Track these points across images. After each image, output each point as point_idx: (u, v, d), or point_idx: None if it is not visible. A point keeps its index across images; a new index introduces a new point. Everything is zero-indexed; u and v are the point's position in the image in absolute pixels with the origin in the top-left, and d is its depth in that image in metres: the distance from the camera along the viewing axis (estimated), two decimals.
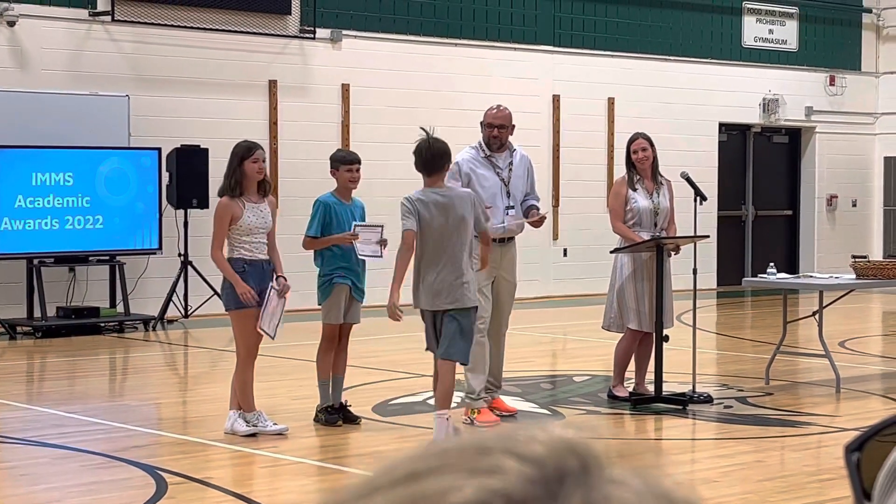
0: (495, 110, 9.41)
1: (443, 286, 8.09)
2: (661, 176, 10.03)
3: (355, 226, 8.85)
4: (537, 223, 9.35)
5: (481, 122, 9.41)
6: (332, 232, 8.85)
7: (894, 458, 0.89)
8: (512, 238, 9.35)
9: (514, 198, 9.29)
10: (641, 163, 9.92)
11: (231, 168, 8.50)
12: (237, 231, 8.44)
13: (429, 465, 0.74)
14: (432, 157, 8.14)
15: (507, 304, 9.41)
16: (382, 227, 8.93)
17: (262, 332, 8.44)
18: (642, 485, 0.74)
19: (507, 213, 9.20)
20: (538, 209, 9.43)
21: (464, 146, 9.51)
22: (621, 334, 10.05)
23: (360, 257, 8.88)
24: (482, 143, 9.32)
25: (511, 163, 9.33)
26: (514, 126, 9.46)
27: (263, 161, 8.63)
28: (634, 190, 9.90)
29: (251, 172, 8.48)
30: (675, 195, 10.16)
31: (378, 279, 14.96)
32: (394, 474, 0.75)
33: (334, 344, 8.98)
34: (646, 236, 9.78)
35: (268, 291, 8.40)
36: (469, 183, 9.05)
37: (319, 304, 8.99)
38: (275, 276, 8.51)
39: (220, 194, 8.59)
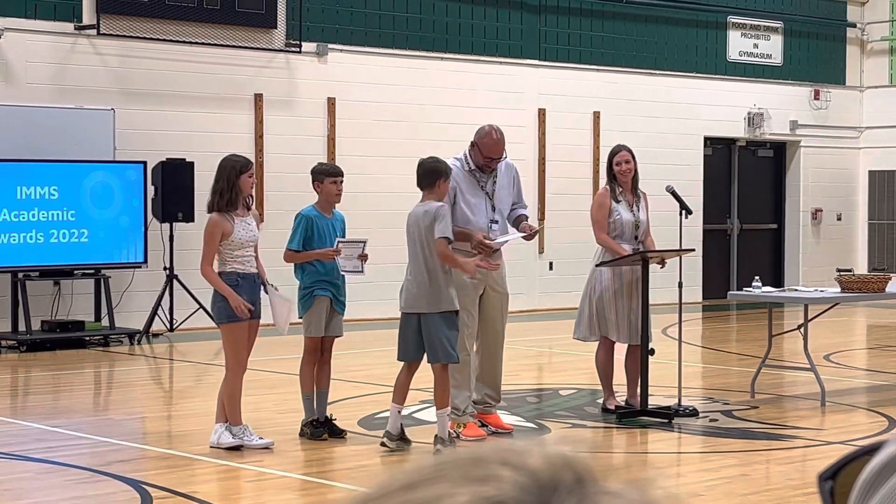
0: (494, 139, 9.08)
1: (415, 290, 8.49)
2: (640, 189, 10.08)
3: (338, 241, 8.84)
4: (529, 237, 9.29)
5: (475, 143, 9.14)
6: (314, 245, 8.85)
7: (864, 477, 0.89)
8: (497, 250, 9.26)
9: (499, 211, 9.19)
10: (624, 175, 9.94)
11: (230, 182, 8.47)
12: (229, 246, 8.46)
13: (423, 475, 0.75)
14: (422, 173, 8.60)
15: (500, 316, 9.32)
16: (365, 242, 8.93)
17: (280, 327, 8.56)
18: (636, 497, 0.74)
19: (491, 227, 9.11)
20: (526, 217, 9.35)
21: (451, 157, 9.40)
22: (597, 343, 10.06)
23: (342, 272, 8.89)
24: (467, 156, 9.19)
25: (495, 175, 9.24)
26: None
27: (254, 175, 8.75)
28: (617, 202, 9.93)
29: (246, 187, 8.53)
30: (661, 209, 10.23)
31: (361, 293, 14.98)
32: (388, 486, 0.75)
33: (317, 357, 8.97)
34: (627, 248, 9.81)
35: (269, 298, 8.52)
36: (454, 196, 9.05)
37: (300, 317, 9.00)
38: (268, 284, 8.58)
39: (213, 209, 8.55)
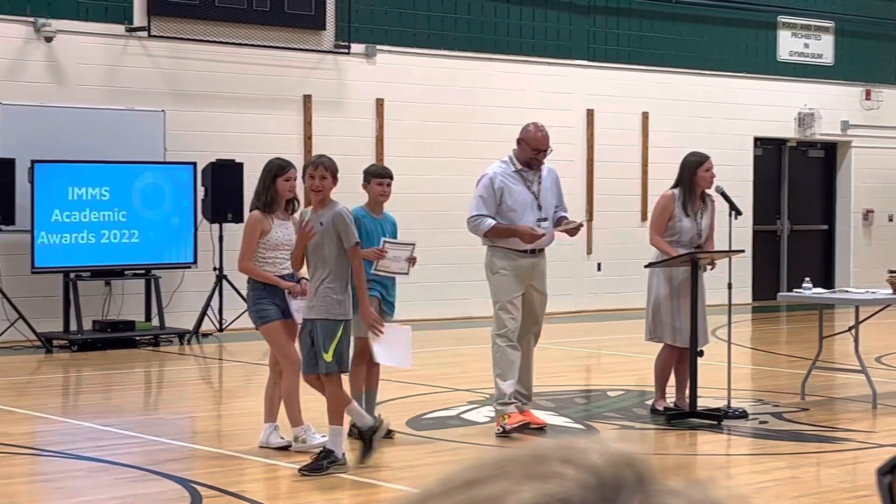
0: (541, 133, 9.31)
1: None
2: (709, 195, 10.07)
3: (384, 241, 8.86)
4: (573, 231, 9.33)
5: (521, 139, 9.33)
6: (362, 245, 8.86)
7: None
8: (542, 250, 9.37)
9: (545, 210, 9.32)
10: (707, 182, 9.94)
11: (265, 185, 8.58)
12: (264, 246, 8.54)
13: (485, 472, 0.74)
14: None
15: (539, 316, 9.43)
16: (414, 244, 8.95)
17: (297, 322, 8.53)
18: (699, 496, 0.74)
19: (540, 226, 9.23)
20: (567, 218, 9.46)
21: (497, 160, 9.52)
22: (661, 345, 10.06)
23: (378, 271, 8.79)
24: (513, 157, 9.34)
25: (540, 176, 9.36)
26: None
27: (295, 180, 8.72)
28: (683, 209, 9.91)
29: (283, 191, 8.59)
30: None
31: (410, 294, 15.00)
32: (450, 483, 0.75)
33: (366, 357, 8.98)
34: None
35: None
36: (501, 196, 9.14)
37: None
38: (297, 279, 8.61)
39: (253, 210, 8.69)
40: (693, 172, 9.97)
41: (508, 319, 9.17)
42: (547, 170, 9.43)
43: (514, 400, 9.24)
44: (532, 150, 9.25)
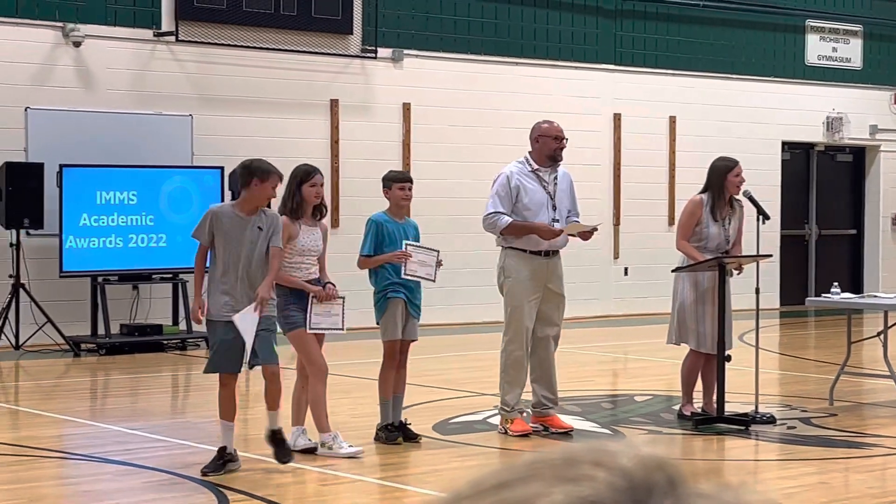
0: (551, 122, 9.53)
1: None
2: (737, 200, 10.02)
3: (406, 244, 8.87)
4: (587, 235, 9.32)
5: (538, 136, 9.42)
6: (385, 250, 8.89)
7: None
8: (557, 252, 9.37)
9: (559, 211, 9.35)
10: (735, 188, 9.90)
11: (291, 191, 8.61)
12: (291, 251, 8.56)
13: (517, 474, 0.75)
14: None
15: (557, 318, 9.42)
16: (438, 251, 8.97)
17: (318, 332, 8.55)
18: (730, 500, 0.74)
19: (553, 226, 9.24)
20: (578, 222, 9.49)
21: (510, 165, 9.54)
22: (687, 350, 10.04)
23: (407, 276, 8.82)
24: (529, 158, 9.40)
25: (555, 177, 9.41)
26: None
27: (321, 185, 8.73)
28: (712, 214, 9.87)
29: (309, 196, 8.60)
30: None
31: (434, 299, 15.00)
32: (481, 485, 0.75)
33: (394, 362, 8.99)
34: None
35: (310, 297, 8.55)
36: (517, 195, 9.21)
37: (377, 323, 9.03)
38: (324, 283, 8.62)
39: (279, 215, 8.70)
40: (722, 177, 9.91)
41: (522, 324, 9.20)
42: (562, 172, 9.49)
43: (518, 408, 9.31)
44: (554, 139, 9.37)
